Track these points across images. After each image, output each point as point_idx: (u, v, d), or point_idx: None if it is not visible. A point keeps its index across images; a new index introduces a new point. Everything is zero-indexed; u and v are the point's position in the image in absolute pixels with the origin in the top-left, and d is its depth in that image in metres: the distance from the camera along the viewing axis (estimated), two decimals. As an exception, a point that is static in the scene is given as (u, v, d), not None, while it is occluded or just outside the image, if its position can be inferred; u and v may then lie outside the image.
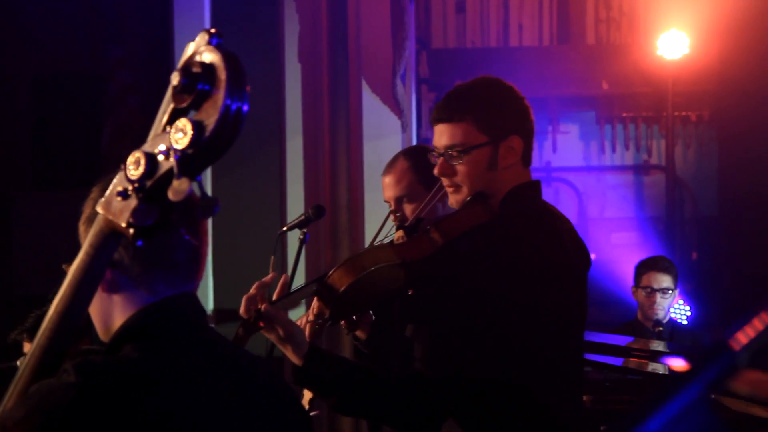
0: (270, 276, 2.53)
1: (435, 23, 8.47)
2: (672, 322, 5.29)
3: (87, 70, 6.75)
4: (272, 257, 4.02)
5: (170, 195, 1.27)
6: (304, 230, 3.52)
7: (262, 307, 2.35)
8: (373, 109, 5.86)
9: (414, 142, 6.18)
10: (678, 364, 3.49)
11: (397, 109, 5.87)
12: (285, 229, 3.60)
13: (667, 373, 3.79)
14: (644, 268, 5.22)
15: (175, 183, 1.27)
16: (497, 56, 8.50)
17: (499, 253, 2.30)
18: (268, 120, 5.94)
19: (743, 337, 0.70)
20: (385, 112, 5.89)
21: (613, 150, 8.66)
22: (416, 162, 3.23)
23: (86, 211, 1.62)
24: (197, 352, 1.55)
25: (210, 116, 1.27)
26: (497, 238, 2.34)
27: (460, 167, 2.41)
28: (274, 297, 2.51)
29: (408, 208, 3.17)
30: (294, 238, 3.81)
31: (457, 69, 7.83)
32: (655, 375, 4.04)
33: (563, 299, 2.37)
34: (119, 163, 1.36)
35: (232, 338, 2.51)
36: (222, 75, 1.27)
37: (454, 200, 2.46)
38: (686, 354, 4.47)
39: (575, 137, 8.74)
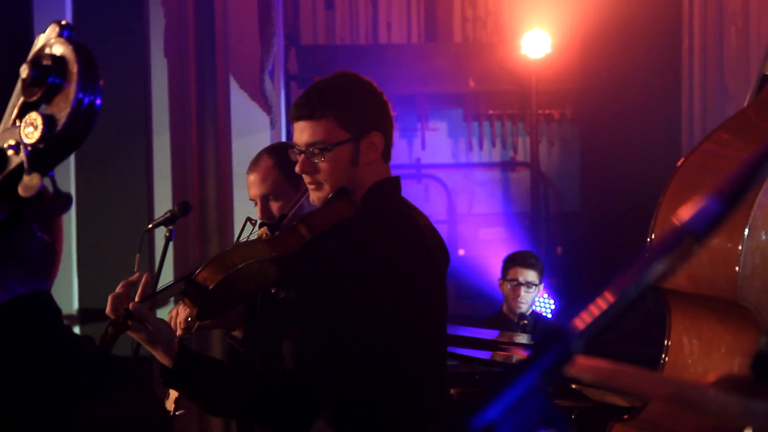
0: (136, 275, 2.51)
1: (304, 19, 8.46)
2: (536, 315, 5.44)
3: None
4: (137, 255, 3.95)
5: (21, 191, 1.24)
6: (170, 227, 3.48)
7: (130, 305, 2.30)
8: (241, 106, 5.82)
9: (283, 139, 6.16)
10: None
11: (266, 106, 5.84)
12: (150, 226, 3.56)
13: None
14: (511, 262, 5.37)
15: (26, 178, 1.25)
16: (366, 53, 8.55)
17: (362, 252, 2.32)
18: (134, 115, 5.83)
19: (579, 322, 0.73)
20: (253, 109, 5.85)
21: (481, 147, 8.82)
22: (280, 159, 3.23)
23: None
24: (52, 352, 1.52)
25: (62, 110, 1.24)
26: (361, 236, 2.36)
27: (322, 164, 2.41)
28: (137, 297, 2.48)
29: (274, 206, 3.17)
30: (161, 235, 3.76)
31: (327, 66, 7.83)
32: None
33: (425, 295, 2.40)
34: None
35: (100, 338, 2.46)
36: (73, 68, 1.25)
37: (315, 197, 2.46)
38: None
39: (444, 134, 8.87)
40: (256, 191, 3.19)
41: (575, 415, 3.36)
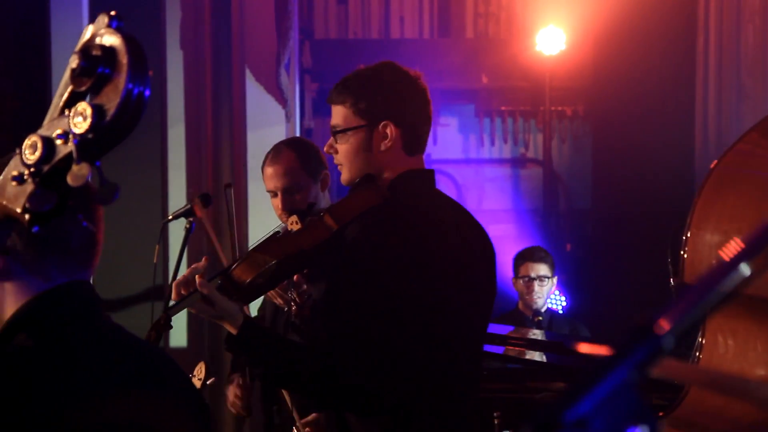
0: (204, 260, 2.62)
1: (317, 14, 8.45)
2: (550, 311, 5.44)
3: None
4: (157, 246, 3.96)
5: (70, 180, 1.24)
6: (191, 219, 3.49)
7: (198, 284, 2.45)
8: (256, 98, 5.82)
9: (297, 132, 6.17)
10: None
11: (282, 99, 5.84)
12: (171, 217, 3.56)
13: (556, 361, 3.91)
14: (521, 259, 5.39)
15: (75, 168, 1.25)
16: (379, 48, 8.54)
17: (384, 242, 2.39)
18: (149, 107, 5.78)
19: (666, 320, 0.73)
20: (269, 102, 5.85)
21: (492, 143, 8.81)
22: (300, 152, 3.30)
23: None
24: (93, 341, 1.53)
25: (111, 101, 1.25)
26: (384, 227, 2.42)
27: (340, 147, 2.54)
28: (198, 279, 2.53)
29: (295, 198, 3.22)
30: (176, 226, 3.76)
31: (340, 60, 7.83)
32: (535, 362, 4.14)
33: (437, 285, 2.42)
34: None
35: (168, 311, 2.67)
36: (123, 59, 1.25)
37: (342, 178, 2.58)
38: (566, 342, 4.60)
39: (455, 130, 8.85)
40: (277, 184, 3.23)
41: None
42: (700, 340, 1.80)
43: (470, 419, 2.53)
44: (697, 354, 1.77)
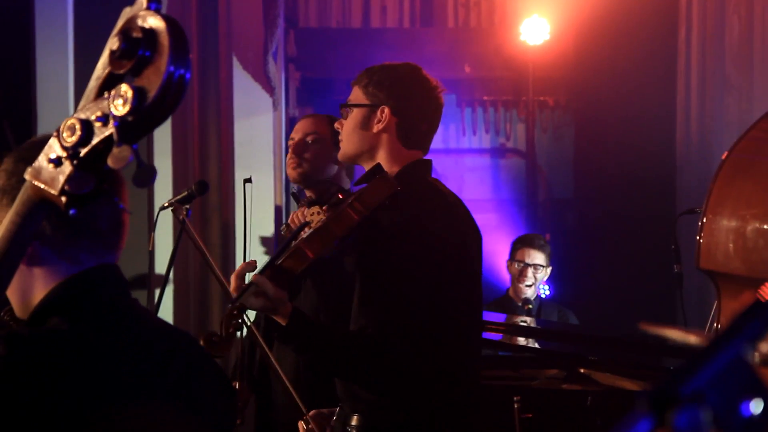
0: (253, 261, 2.73)
1: (300, 2, 8.41)
2: (539, 298, 5.48)
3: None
4: (152, 234, 3.95)
5: (111, 162, 1.24)
6: (187, 207, 3.49)
7: (253, 277, 2.57)
8: (244, 87, 5.80)
9: (284, 121, 6.15)
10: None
11: (269, 87, 5.83)
12: (166, 204, 3.56)
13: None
14: (520, 243, 5.44)
15: (116, 151, 1.25)
16: (361, 37, 8.52)
17: (409, 226, 2.60)
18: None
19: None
20: (256, 90, 5.84)
21: (474, 133, 8.82)
22: (332, 122, 3.46)
23: None
24: (125, 324, 1.52)
25: (152, 83, 1.24)
26: (409, 211, 2.62)
27: (344, 122, 2.81)
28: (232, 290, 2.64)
29: (311, 149, 3.50)
30: (163, 214, 3.76)
31: (323, 48, 7.81)
32: (529, 349, 4.17)
33: (460, 265, 2.65)
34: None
35: (226, 320, 2.64)
36: (165, 41, 1.24)
37: (339, 153, 2.85)
38: (558, 328, 4.63)
39: (436, 120, 8.83)
40: (305, 128, 3.61)
41: (590, 398, 3.39)
42: (715, 326, 1.82)
43: (476, 400, 2.67)
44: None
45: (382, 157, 2.74)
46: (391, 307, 2.56)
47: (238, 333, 2.64)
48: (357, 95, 2.79)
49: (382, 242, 2.60)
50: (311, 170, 3.47)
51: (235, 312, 2.58)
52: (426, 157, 2.82)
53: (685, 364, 0.63)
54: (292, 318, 2.56)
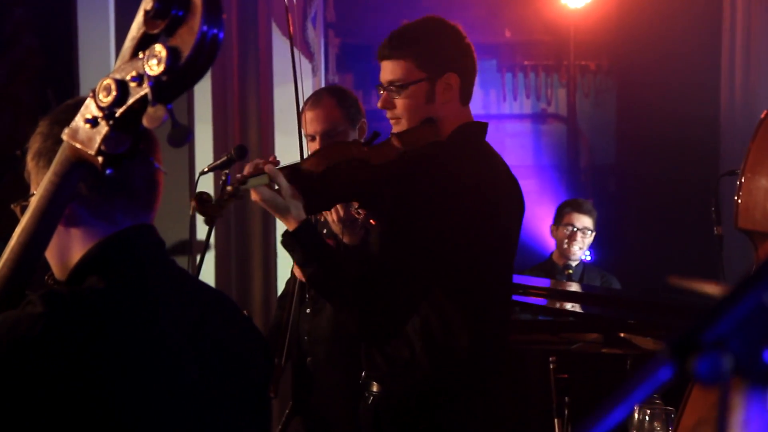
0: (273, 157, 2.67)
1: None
2: (583, 262, 5.47)
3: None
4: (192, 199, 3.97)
5: (146, 122, 1.25)
6: (226, 171, 3.50)
7: (266, 167, 2.50)
8: (283, 53, 5.79)
9: (323, 86, 6.15)
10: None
11: (308, 53, 5.82)
12: (206, 169, 3.57)
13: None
14: (568, 207, 5.42)
15: (151, 110, 1.26)
16: (400, 2, 8.47)
17: (441, 186, 2.48)
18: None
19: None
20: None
21: (515, 98, 8.76)
22: (341, 98, 3.37)
23: (34, 146, 1.58)
24: (162, 283, 1.54)
25: (185, 43, 1.25)
26: (444, 170, 2.51)
27: (398, 101, 2.60)
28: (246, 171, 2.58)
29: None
30: (204, 178, 3.77)
31: (362, 14, 7.79)
32: (568, 313, 4.17)
33: (488, 232, 2.55)
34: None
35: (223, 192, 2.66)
36: (197, 0, 1.25)
37: (395, 131, 2.64)
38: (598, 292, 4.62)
39: (476, 85, 8.78)
40: (317, 127, 3.31)
41: (629, 362, 3.39)
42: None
43: (500, 362, 2.61)
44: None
45: (444, 121, 2.60)
46: (408, 244, 2.43)
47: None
48: (408, 69, 2.57)
49: (410, 185, 2.49)
50: None
51: (237, 186, 2.51)
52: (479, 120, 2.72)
53: (708, 312, 0.63)
54: (303, 224, 2.45)
